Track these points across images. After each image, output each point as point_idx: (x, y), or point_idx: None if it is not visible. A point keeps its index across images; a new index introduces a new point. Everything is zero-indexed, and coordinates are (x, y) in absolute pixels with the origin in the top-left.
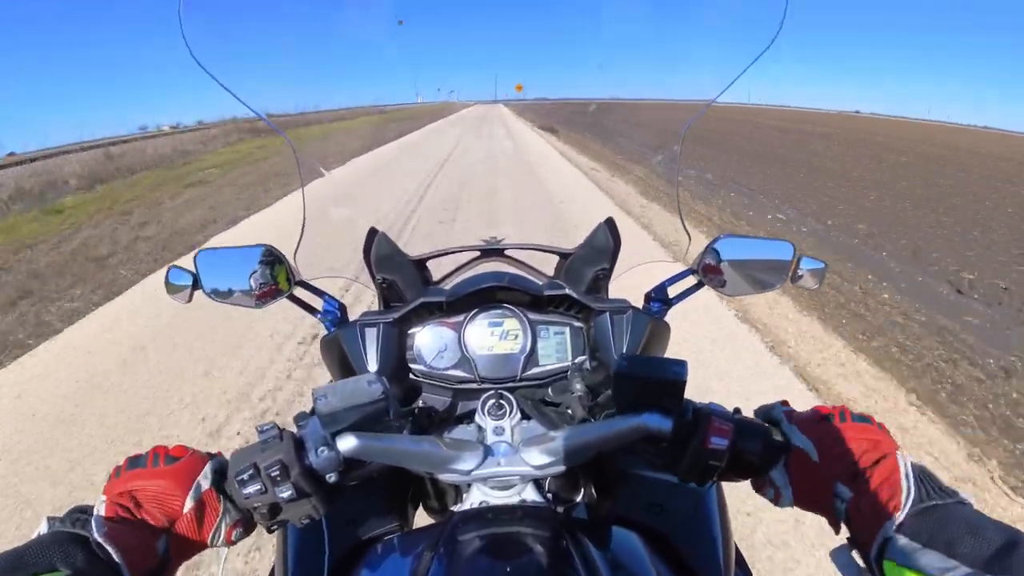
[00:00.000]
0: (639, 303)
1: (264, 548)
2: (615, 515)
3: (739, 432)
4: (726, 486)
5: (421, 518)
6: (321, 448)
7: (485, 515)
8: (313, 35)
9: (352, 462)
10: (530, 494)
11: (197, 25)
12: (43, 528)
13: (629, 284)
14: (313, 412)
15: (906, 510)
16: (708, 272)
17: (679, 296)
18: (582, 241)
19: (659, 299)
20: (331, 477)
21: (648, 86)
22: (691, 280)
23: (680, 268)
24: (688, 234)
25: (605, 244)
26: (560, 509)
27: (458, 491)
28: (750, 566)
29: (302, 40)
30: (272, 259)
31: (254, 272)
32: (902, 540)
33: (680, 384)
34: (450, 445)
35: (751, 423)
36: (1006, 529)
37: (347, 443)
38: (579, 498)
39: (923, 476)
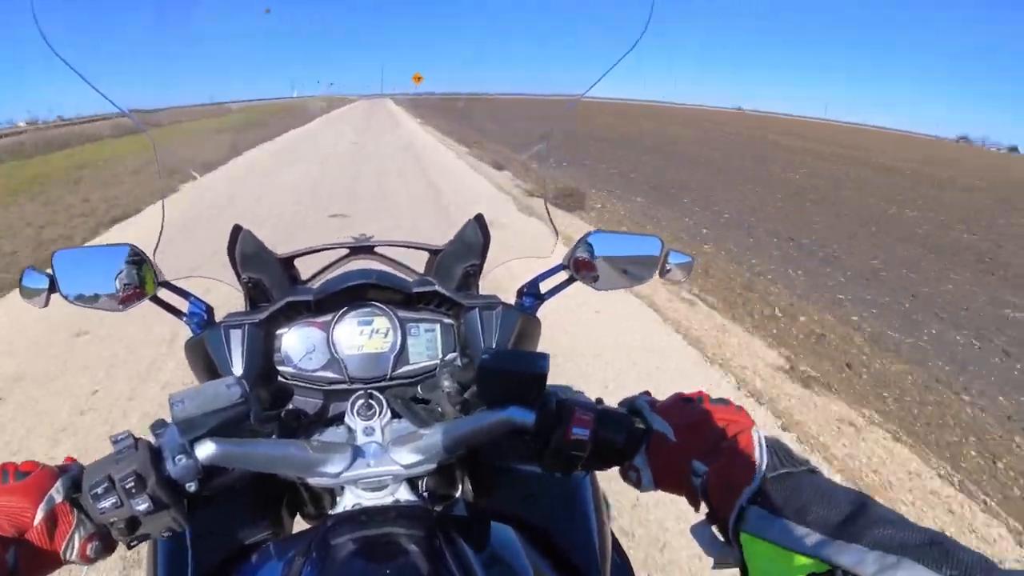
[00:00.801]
0: (512, 299)
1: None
2: (491, 510)
3: (600, 422)
4: (603, 476)
5: (300, 526)
6: (179, 456)
7: (358, 517)
8: (176, 24)
9: (213, 470)
10: (404, 494)
11: (52, 11)
12: None
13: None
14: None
15: (758, 479)
16: (580, 267)
17: (551, 291)
18: (452, 238)
19: (531, 294)
20: (191, 486)
21: (520, 82)
22: (563, 275)
23: (552, 263)
24: (555, 230)
25: (474, 240)
26: (438, 507)
27: (333, 495)
28: (628, 552)
29: (164, 30)
30: (136, 259)
31: (119, 273)
32: (756, 510)
33: (542, 377)
34: (317, 448)
35: (612, 412)
36: (854, 494)
37: (206, 450)
38: (457, 495)
39: (776, 447)
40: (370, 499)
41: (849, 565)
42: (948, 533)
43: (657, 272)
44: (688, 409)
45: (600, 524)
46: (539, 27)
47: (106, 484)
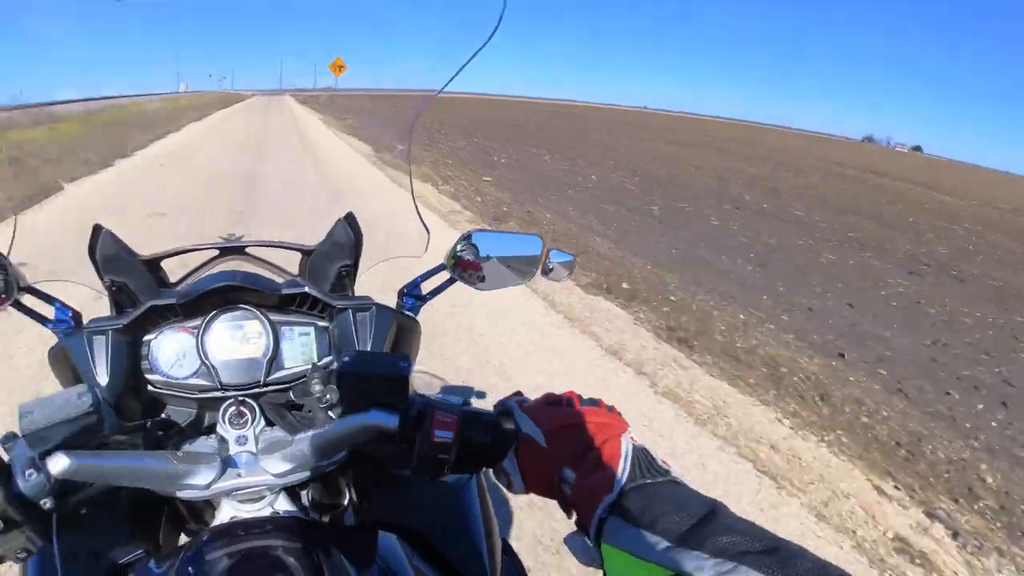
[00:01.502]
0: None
1: None
2: (376, 519)
3: (466, 424)
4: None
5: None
6: (29, 471)
7: (233, 531)
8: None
9: (71, 485)
10: (283, 504)
11: None
12: None
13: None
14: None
15: (617, 490)
16: (461, 266)
17: (433, 291)
18: (323, 238)
19: (412, 295)
20: (45, 503)
21: (376, 76)
22: (445, 275)
23: (433, 263)
24: (427, 229)
25: (346, 239)
26: (326, 518)
27: (214, 509)
28: (521, 557)
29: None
30: None
31: None
32: (614, 520)
33: (403, 379)
34: (183, 459)
35: (477, 413)
36: (707, 502)
37: (58, 464)
38: (345, 503)
39: (641, 456)
40: (247, 511)
41: (690, 571)
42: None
43: (539, 271)
44: (558, 412)
45: (488, 530)
46: (392, 21)
47: None
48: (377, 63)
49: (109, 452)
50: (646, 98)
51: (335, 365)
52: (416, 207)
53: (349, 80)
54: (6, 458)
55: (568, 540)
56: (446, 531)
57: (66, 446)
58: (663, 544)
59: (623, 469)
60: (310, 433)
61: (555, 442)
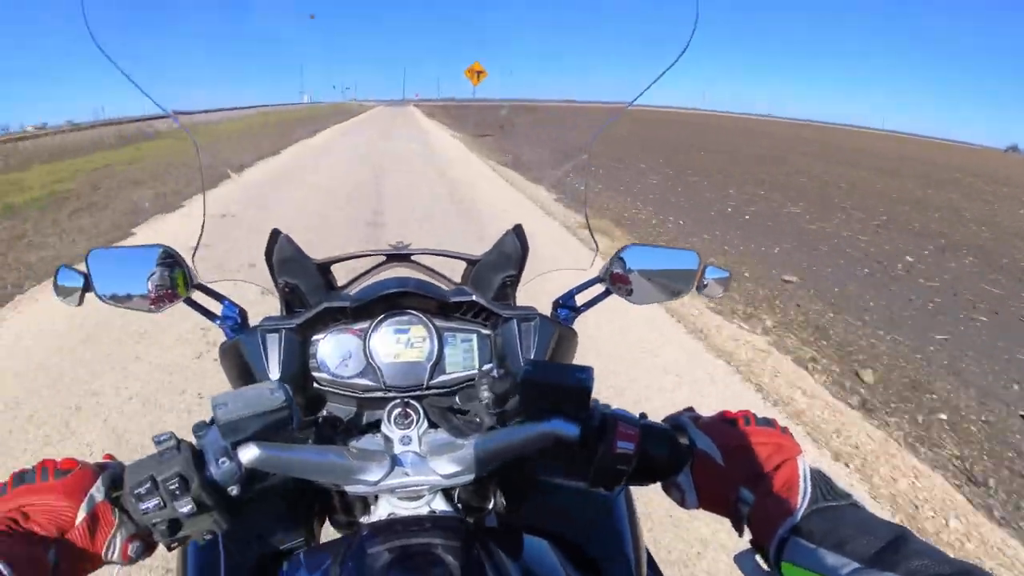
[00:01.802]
0: (548, 310)
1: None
2: (526, 524)
3: (645, 436)
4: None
5: (328, 533)
6: (222, 459)
7: (394, 527)
8: (218, 27)
9: (254, 474)
10: (440, 504)
11: (101, 13)
12: None
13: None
14: (212, 421)
15: (801, 511)
16: (615, 281)
17: (587, 304)
18: (489, 248)
19: (567, 306)
20: (233, 490)
21: (563, 88)
22: (599, 288)
23: (589, 275)
24: (596, 243)
25: (513, 251)
26: (471, 519)
27: (366, 504)
28: (662, 570)
29: (207, 33)
30: (170, 261)
31: (152, 274)
32: (798, 540)
33: (586, 390)
34: (356, 455)
35: (657, 427)
36: (894, 527)
37: (249, 454)
38: (490, 507)
39: (819, 479)
40: (405, 509)
41: None
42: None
43: (694, 287)
44: (734, 431)
45: (635, 541)
46: (582, 32)
47: (149, 485)
48: (543, 73)
49: (293, 445)
50: (763, 105)
51: (496, 372)
52: (588, 222)
53: (494, 90)
54: (198, 446)
55: (739, 558)
56: (597, 540)
57: (255, 438)
58: (852, 566)
59: (804, 491)
60: (483, 437)
61: (732, 460)
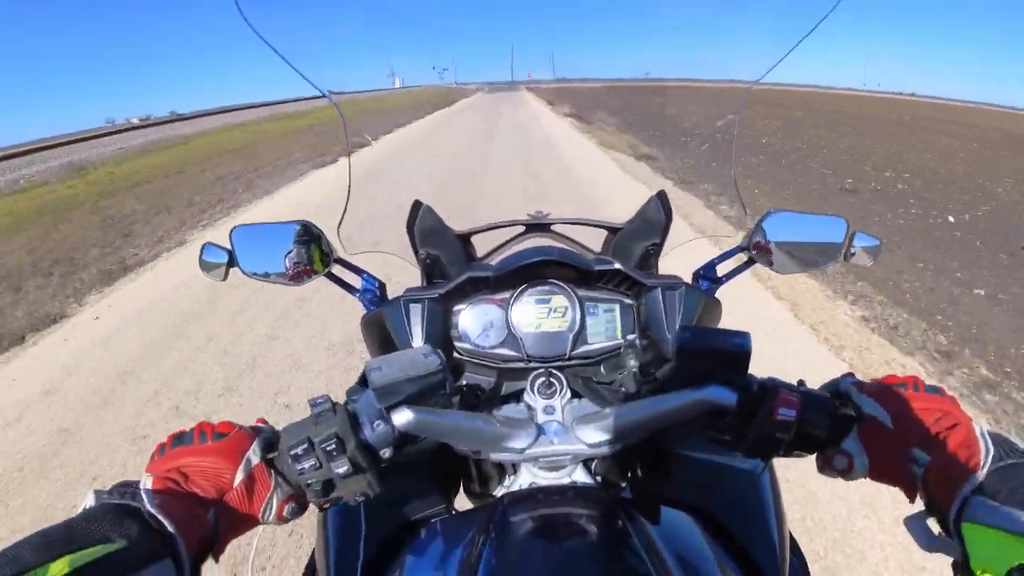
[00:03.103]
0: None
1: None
2: (665, 497)
3: (806, 403)
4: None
5: (460, 503)
6: (376, 422)
7: (536, 496)
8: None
9: (405, 438)
10: (580, 476)
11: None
12: (90, 501)
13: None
14: (365, 386)
15: (986, 469)
16: (758, 250)
17: (728, 275)
18: (632, 216)
19: (708, 277)
20: (385, 452)
21: (690, 66)
22: (741, 258)
23: (728, 245)
24: (745, 209)
25: (656, 218)
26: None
27: (502, 473)
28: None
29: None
30: (309, 235)
31: (291, 249)
32: (981, 500)
33: (745, 355)
34: (503, 423)
35: (817, 395)
36: None
37: (402, 417)
38: (626, 481)
39: (998, 439)
40: (546, 479)
41: None
42: None
43: (841, 256)
44: (901, 395)
45: (779, 520)
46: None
47: (305, 446)
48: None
49: (444, 411)
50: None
51: (639, 343)
52: (736, 188)
53: (610, 69)
54: (351, 409)
55: (910, 522)
56: (741, 518)
57: (408, 402)
58: None
59: (985, 449)
60: (632, 405)
61: (902, 424)
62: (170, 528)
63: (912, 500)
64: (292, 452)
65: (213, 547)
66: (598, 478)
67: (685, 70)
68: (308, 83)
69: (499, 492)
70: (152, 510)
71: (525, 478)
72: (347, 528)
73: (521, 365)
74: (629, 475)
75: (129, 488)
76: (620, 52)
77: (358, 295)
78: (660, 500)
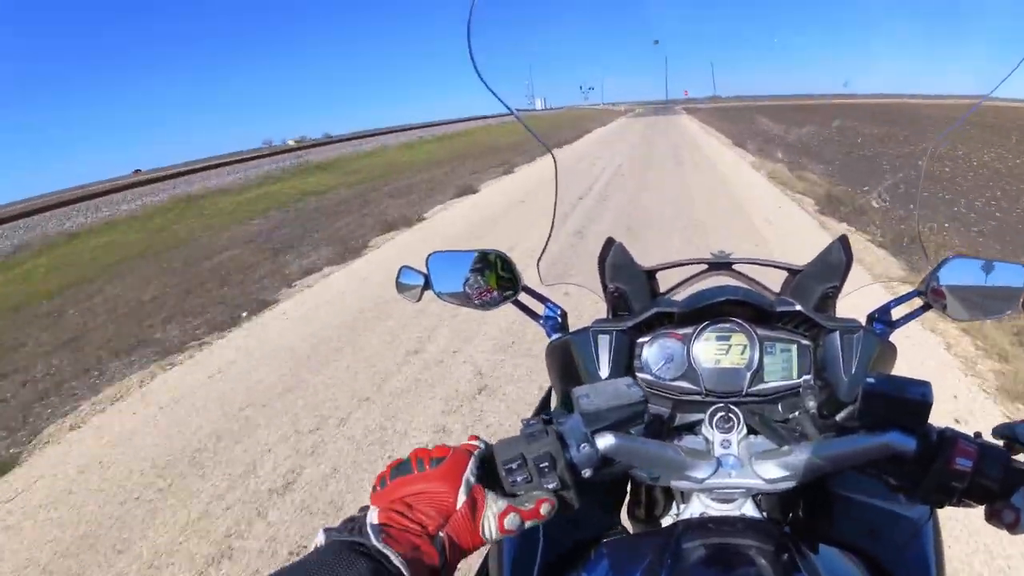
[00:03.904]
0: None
1: None
2: (828, 538)
3: (982, 455)
4: None
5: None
6: (582, 444)
7: (708, 525)
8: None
9: (605, 460)
10: (749, 509)
11: (482, 37)
12: (320, 540)
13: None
14: (569, 410)
15: None
16: (934, 294)
17: (904, 319)
18: (813, 258)
19: (882, 320)
20: (586, 473)
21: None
22: (916, 302)
23: (905, 289)
24: (926, 254)
25: (838, 261)
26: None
27: (668, 501)
28: None
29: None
30: (500, 263)
31: (481, 275)
32: None
33: (927, 405)
34: (689, 453)
35: (993, 447)
36: None
37: (605, 441)
38: (789, 518)
39: None
40: (717, 510)
41: None
42: None
43: (1020, 303)
44: None
45: (940, 570)
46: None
47: (519, 461)
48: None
49: (640, 438)
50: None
51: (813, 383)
52: (919, 234)
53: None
54: (559, 431)
55: None
56: (903, 563)
57: (611, 428)
58: None
59: None
60: (811, 444)
61: None
62: (397, 563)
63: None
64: (507, 466)
65: (441, 574)
66: (764, 513)
67: (885, 81)
68: (498, 100)
69: (666, 519)
70: (379, 545)
71: (696, 507)
72: (526, 545)
73: (698, 398)
74: (791, 513)
75: (356, 523)
76: (789, 60)
77: (541, 322)
78: (824, 539)
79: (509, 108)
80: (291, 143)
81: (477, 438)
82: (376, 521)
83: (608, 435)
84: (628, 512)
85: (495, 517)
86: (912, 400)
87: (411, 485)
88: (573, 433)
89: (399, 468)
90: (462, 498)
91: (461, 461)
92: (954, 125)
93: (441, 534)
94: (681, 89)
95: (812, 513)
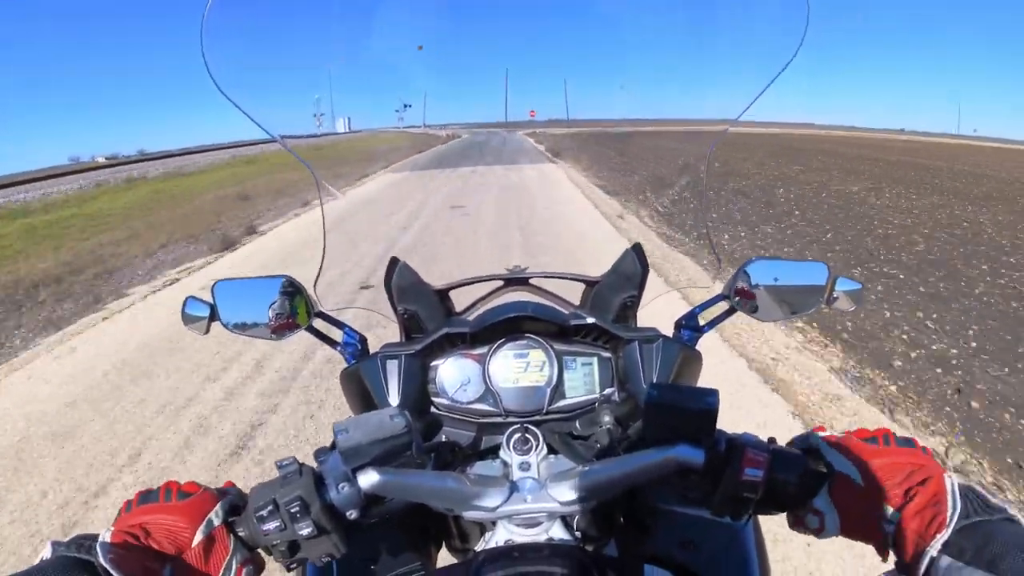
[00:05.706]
0: (668, 331)
1: None
2: (647, 553)
3: (775, 462)
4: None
5: (443, 559)
6: (342, 484)
7: (511, 554)
8: (329, 57)
9: (373, 499)
10: (558, 532)
11: (218, 47)
12: (47, 553)
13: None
14: (333, 447)
15: (951, 528)
16: (740, 296)
17: (711, 323)
18: (608, 268)
19: (690, 327)
20: (351, 514)
21: (666, 107)
22: (723, 306)
23: (710, 294)
24: (718, 258)
25: (633, 271)
26: (590, 547)
27: (482, 529)
28: None
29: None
30: (292, 290)
31: (273, 303)
32: (946, 560)
33: (712, 414)
34: (474, 481)
35: (787, 452)
36: None
37: (368, 479)
38: (609, 536)
39: (970, 494)
40: (523, 536)
41: None
42: None
43: (824, 301)
44: (872, 449)
45: (764, 571)
46: (689, 50)
47: (271, 507)
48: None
49: (412, 471)
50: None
51: (617, 396)
52: (710, 238)
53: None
54: (319, 471)
55: None
56: (723, 572)
57: (375, 463)
58: None
59: (953, 505)
60: (604, 463)
61: (872, 480)
62: None
63: (884, 558)
64: (258, 513)
65: None
66: (578, 534)
67: (658, 109)
68: (261, 128)
69: (481, 547)
70: (105, 564)
71: (501, 535)
72: None
73: (499, 420)
74: (612, 530)
75: (86, 541)
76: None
77: (339, 349)
78: (642, 558)
79: (271, 134)
80: (101, 160)
81: (232, 484)
82: (108, 540)
83: (371, 472)
84: (447, 544)
85: (236, 566)
86: (695, 410)
87: (152, 514)
88: (332, 472)
89: (146, 496)
90: (199, 537)
91: (208, 501)
92: (717, 139)
93: (171, 566)
94: (526, 110)
95: (631, 527)
